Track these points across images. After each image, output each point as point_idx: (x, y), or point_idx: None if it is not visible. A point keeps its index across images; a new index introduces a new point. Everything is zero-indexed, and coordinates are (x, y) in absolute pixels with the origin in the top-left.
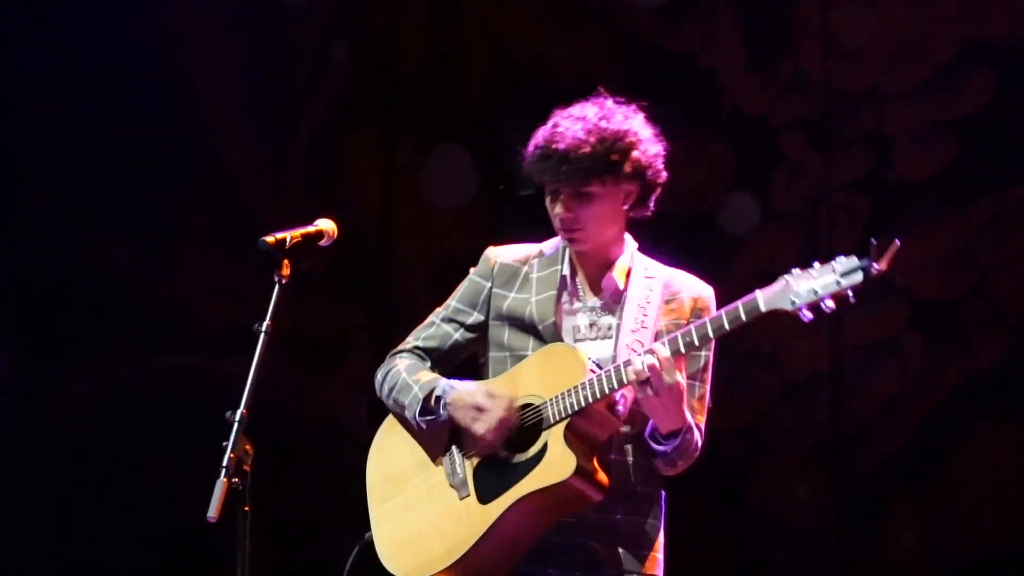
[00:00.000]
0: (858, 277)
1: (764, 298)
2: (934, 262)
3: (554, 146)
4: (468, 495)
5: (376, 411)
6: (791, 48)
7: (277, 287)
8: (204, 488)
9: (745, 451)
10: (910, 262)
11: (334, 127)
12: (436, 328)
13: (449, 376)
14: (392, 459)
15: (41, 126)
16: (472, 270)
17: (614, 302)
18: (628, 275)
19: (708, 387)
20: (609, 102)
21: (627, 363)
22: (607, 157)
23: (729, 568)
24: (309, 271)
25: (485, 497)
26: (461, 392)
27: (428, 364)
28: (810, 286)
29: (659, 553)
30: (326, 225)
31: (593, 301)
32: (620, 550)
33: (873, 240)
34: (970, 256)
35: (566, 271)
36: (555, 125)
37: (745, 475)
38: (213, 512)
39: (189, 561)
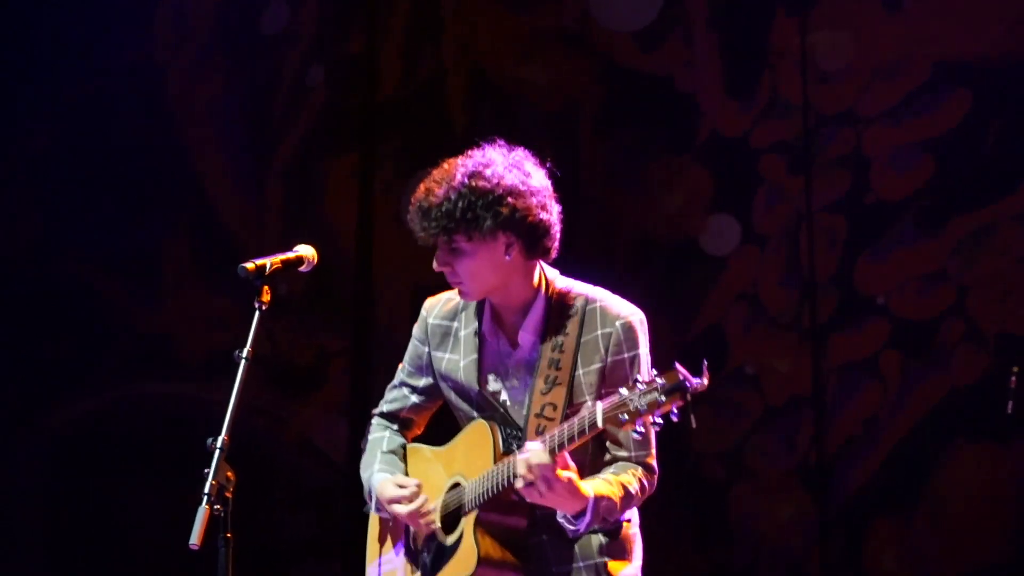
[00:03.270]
0: (678, 396)
1: (601, 412)
2: (911, 281)
3: (421, 202)
4: (416, 572)
5: (354, 437)
6: (769, 72)
7: (257, 314)
8: (186, 515)
9: (728, 474)
10: (889, 281)
11: (313, 152)
12: (396, 391)
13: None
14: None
15: (21, 153)
16: (414, 329)
17: (532, 355)
18: (544, 321)
19: (648, 425)
20: (490, 152)
21: (515, 464)
22: (468, 213)
23: None
24: (287, 296)
25: None
26: (379, 487)
27: (396, 427)
28: (638, 404)
29: None
30: (306, 251)
31: (513, 359)
32: None
33: (678, 366)
34: (947, 275)
35: (485, 327)
36: (428, 179)
37: (728, 497)
38: (195, 539)
39: None
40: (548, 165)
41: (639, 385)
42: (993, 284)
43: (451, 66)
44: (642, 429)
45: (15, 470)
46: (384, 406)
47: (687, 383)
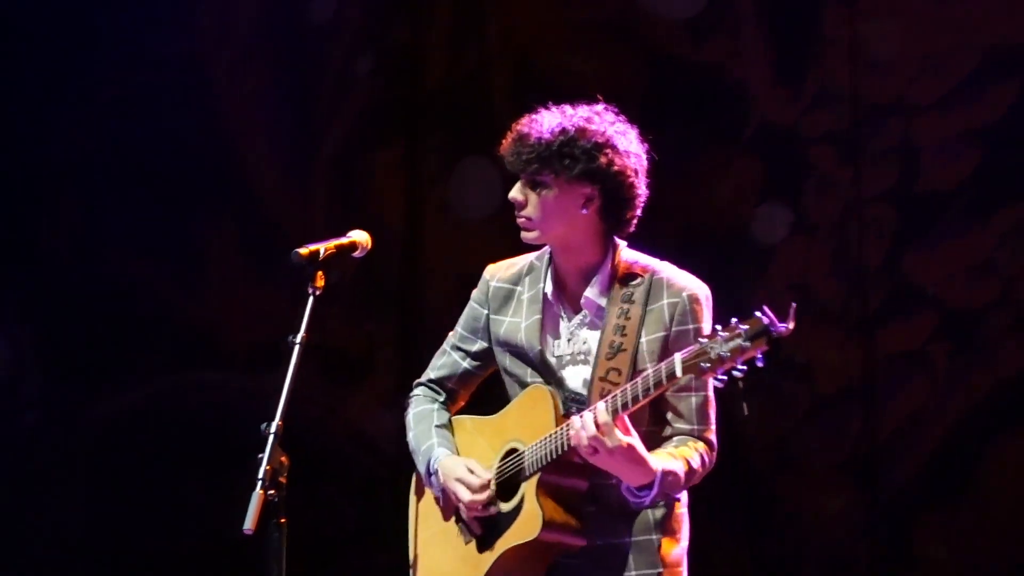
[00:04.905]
0: (763, 340)
1: (680, 362)
2: (959, 271)
3: (522, 128)
4: (471, 540)
5: (402, 426)
6: (819, 60)
7: (311, 299)
8: (232, 502)
9: (776, 464)
10: (937, 271)
11: (359, 142)
12: (447, 357)
13: (470, 400)
14: (427, 491)
15: (67, 146)
16: (473, 293)
17: (596, 319)
18: (610, 287)
19: (707, 394)
20: (600, 107)
21: (578, 424)
22: (562, 150)
23: None
24: (336, 282)
25: (480, 546)
26: (447, 463)
27: (443, 397)
28: (720, 351)
29: (681, 569)
30: (360, 236)
31: (575, 319)
32: (633, 574)
33: (765, 309)
34: (995, 265)
35: (548, 288)
36: (535, 113)
37: (776, 488)
38: (250, 524)
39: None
40: (647, 146)
41: (720, 333)
42: None
43: (496, 56)
44: (723, 377)
45: (63, 460)
46: (431, 373)
47: (772, 328)
